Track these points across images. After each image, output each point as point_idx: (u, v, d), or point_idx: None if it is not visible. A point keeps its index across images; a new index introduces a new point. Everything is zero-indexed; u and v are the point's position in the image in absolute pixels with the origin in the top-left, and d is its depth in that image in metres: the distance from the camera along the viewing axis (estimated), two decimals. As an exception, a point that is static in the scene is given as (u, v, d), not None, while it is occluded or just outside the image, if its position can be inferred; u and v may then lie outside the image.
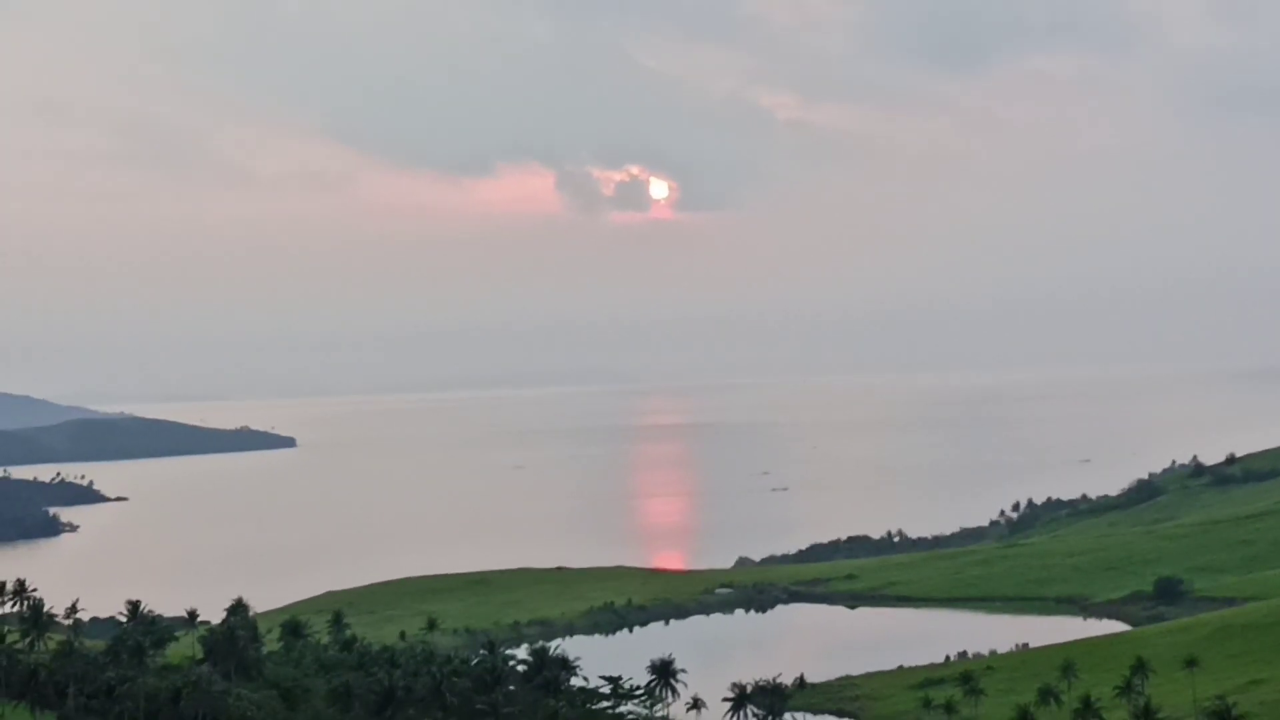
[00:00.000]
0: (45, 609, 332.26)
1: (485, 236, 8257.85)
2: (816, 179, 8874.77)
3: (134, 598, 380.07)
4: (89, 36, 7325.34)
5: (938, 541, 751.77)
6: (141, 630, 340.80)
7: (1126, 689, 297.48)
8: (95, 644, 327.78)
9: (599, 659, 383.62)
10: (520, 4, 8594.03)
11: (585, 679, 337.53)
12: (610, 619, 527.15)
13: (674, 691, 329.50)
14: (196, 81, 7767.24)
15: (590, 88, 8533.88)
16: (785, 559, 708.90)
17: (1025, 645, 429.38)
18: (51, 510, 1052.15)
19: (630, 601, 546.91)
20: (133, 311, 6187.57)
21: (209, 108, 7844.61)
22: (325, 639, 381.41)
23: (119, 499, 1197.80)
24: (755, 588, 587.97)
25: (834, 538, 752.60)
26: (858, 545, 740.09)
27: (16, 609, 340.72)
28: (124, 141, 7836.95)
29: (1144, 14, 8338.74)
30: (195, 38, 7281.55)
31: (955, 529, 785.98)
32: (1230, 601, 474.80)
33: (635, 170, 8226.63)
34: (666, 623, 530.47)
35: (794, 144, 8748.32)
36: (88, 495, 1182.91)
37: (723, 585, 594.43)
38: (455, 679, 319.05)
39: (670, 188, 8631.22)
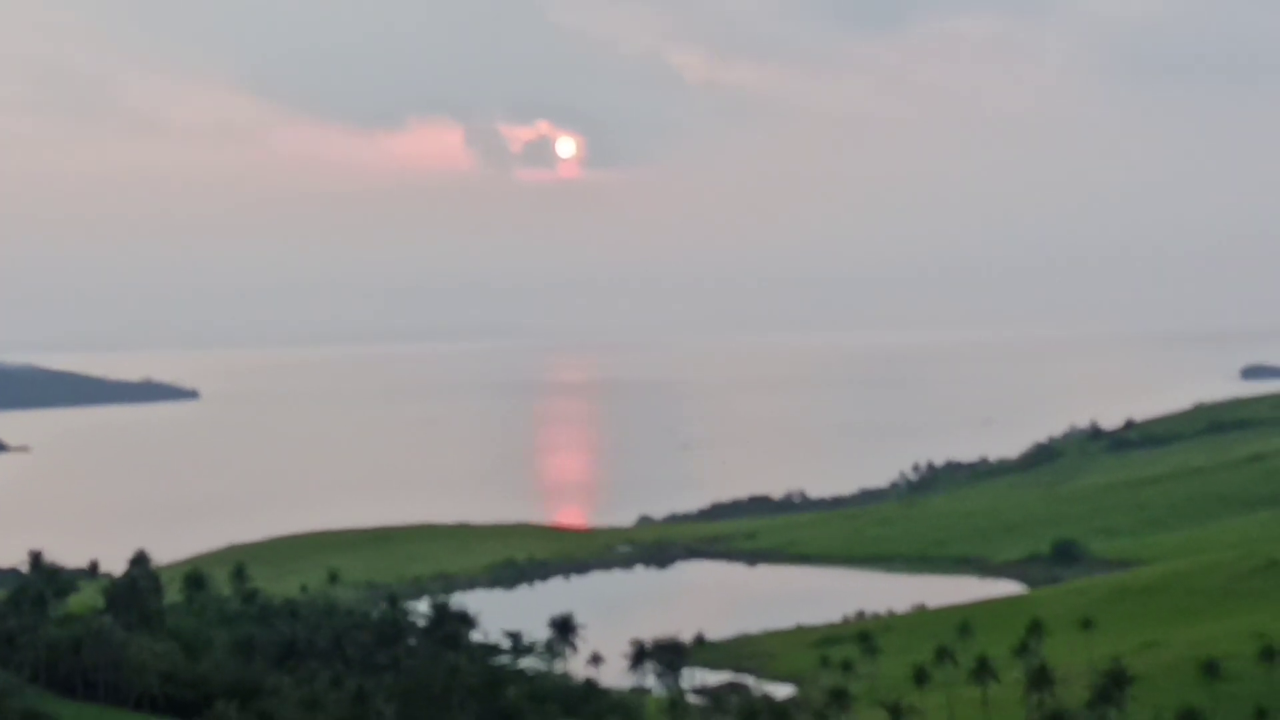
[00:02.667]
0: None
1: (395, 191, 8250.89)
2: (727, 138, 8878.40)
3: (35, 548, 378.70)
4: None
5: (838, 501, 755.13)
6: (43, 580, 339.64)
7: (1023, 650, 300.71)
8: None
9: (500, 614, 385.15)
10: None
11: (486, 633, 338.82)
12: (511, 574, 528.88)
13: (574, 646, 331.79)
14: (110, 30, 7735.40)
15: (502, 43, 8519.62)
16: (687, 517, 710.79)
17: (923, 605, 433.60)
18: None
19: (531, 557, 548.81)
20: (39, 260, 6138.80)
21: (123, 57, 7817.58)
22: (227, 591, 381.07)
23: (20, 449, 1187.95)
24: (656, 546, 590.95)
25: (736, 496, 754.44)
26: (759, 504, 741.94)
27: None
28: (35, 89, 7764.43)
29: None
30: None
31: (856, 489, 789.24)
32: (1126, 564, 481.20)
33: (544, 127, 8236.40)
34: (567, 578, 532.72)
35: (705, 102, 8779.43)
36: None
37: (624, 543, 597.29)
38: (356, 632, 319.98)
39: (578, 145, 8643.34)
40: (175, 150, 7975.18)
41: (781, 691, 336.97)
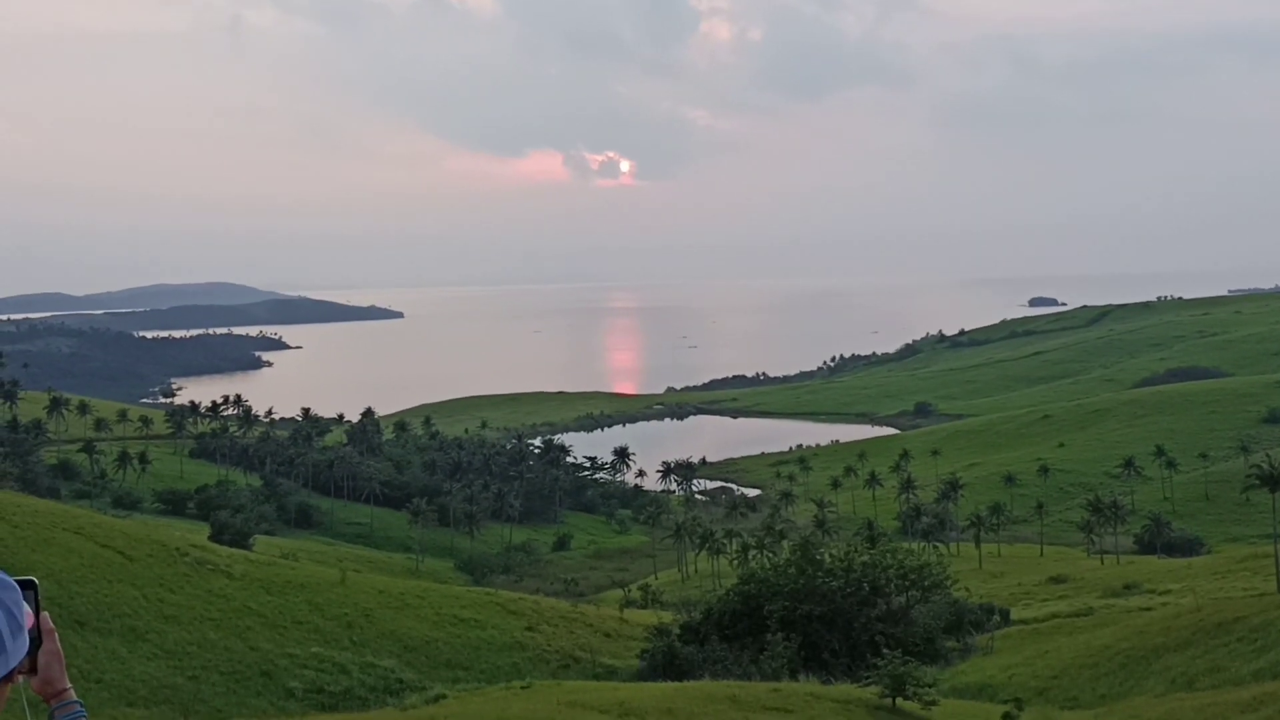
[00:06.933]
0: (252, 412, 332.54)
1: (520, 194, 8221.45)
2: (720, 163, 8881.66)
3: (305, 405, 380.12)
4: (273, 60, 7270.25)
5: (787, 379, 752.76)
6: (310, 425, 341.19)
7: (896, 468, 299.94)
8: (282, 433, 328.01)
9: (583, 446, 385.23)
10: (544, 51, 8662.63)
11: (575, 457, 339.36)
12: (590, 422, 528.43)
13: (628, 465, 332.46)
14: (345, 95, 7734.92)
15: (585, 103, 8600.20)
16: (696, 388, 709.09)
17: (837, 441, 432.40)
18: (256, 353, 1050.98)
19: (602, 412, 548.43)
20: (306, 235, 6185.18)
21: (352, 112, 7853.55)
22: (420, 432, 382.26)
23: (297, 348, 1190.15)
24: (677, 405, 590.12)
25: (724, 376, 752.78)
26: (739, 380, 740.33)
27: (236, 412, 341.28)
28: (294, 131, 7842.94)
29: (917, 63, 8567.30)
30: (340, 68, 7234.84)
31: (797, 371, 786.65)
32: (959, 417, 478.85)
33: (611, 155, 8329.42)
34: (624, 425, 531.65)
35: (706, 141, 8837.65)
36: (278, 345, 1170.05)
37: (657, 404, 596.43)
38: (497, 457, 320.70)
39: (631, 166, 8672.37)
40: (382, 171, 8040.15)
41: (752, 493, 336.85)
